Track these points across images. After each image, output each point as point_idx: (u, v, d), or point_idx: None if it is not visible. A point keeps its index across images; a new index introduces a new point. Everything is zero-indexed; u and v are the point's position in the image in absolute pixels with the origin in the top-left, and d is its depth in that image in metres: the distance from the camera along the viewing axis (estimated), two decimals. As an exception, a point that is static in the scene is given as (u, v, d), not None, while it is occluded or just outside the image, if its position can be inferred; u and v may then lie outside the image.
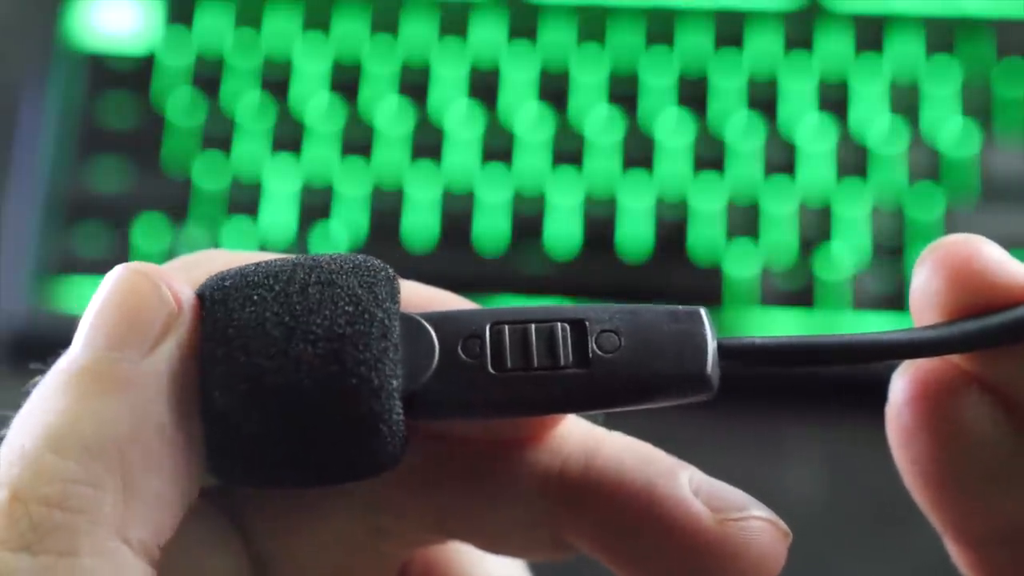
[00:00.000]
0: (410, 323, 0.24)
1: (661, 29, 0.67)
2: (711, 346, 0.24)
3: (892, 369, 0.27)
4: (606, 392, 0.24)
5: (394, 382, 0.24)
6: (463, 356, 0.24)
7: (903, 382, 0.26)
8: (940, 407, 0.26)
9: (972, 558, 0.27)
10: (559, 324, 0.25)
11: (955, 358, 0.26)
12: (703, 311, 0.25)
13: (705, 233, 0.64)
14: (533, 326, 0.25)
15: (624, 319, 0.25)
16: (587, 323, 0.25)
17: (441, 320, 0.25)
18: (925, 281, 0.25)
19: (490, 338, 0.24)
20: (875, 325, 0.62)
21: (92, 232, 0.64)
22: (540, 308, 0.25)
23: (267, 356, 0.23)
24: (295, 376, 0.23)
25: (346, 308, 0.24)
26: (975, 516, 0.26)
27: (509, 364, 0.24)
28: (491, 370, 0.24)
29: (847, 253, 0.64)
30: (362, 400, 0.23)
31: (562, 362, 0.24)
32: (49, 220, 0.64)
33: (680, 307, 0.25)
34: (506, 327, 0.24)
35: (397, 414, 0.24)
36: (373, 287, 0.24)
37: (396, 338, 0.24)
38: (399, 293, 0.25)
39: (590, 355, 0.24)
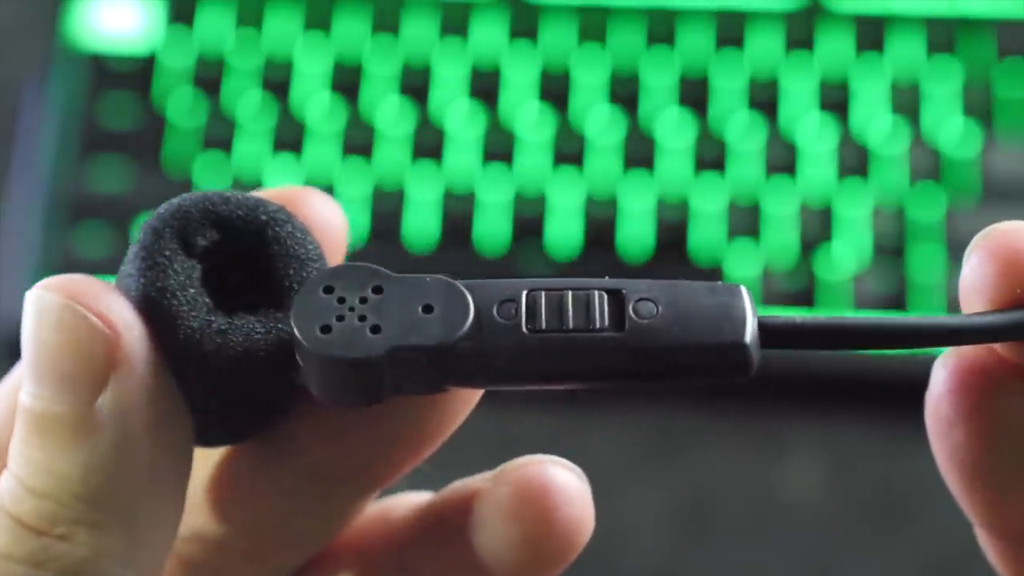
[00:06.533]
0: (446, 286, 0.25)
1: (662, 29, 0.67)
2: (751, 319, 0.24)
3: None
4: (640, 356, 0.24)
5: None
6: (498, 318, 0.24)
7: (944, 371, 0.25)
8: (982, 398, 0.25)
9: (1004, 551, 0.26)
10: (596, 292, 0.24)
11: (1001, 350, 0.25)
12: (743, 287, 0.25)
13: (706, 233, 0.64)
14: (570, 293, 0.25)
15: (662, 289, 0.25)
16: (624, 292, 0.24)
17: (477, 286, 0.25)
18: (974, 269, 0.25)
19: (526, 302, 0.24)
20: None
21: (93, 232, 0.64)
22: (577, 279, 0.25)
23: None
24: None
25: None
26: (1011, 510, 0.26)
27: (544, 325, 0.24)
28: (525, 330, 0.24)
29: (848, 253, 0.64)
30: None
31: (597, 325, 0.24)
32: (50, 220, 0.64)
33: (720, 283, 0.25)
34: (542, 293, 0.25)
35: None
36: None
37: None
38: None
39: (626, 320, 0.24)
